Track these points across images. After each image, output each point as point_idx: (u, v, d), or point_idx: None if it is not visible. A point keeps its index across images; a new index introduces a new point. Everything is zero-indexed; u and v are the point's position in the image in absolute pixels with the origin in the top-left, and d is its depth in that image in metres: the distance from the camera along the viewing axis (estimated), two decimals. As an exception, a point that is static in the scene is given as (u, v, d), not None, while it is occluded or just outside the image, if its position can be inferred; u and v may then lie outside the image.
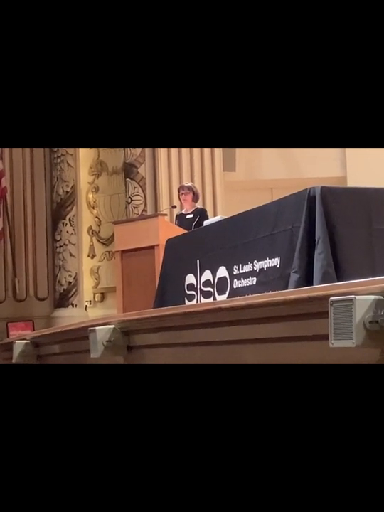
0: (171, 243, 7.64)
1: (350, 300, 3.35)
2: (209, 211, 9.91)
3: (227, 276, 6.24)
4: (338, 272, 5.07)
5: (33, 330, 11.67)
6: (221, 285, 6.33)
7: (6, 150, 12.61)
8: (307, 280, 5.12)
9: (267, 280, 5.67)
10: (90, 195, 12.94)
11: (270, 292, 5.11)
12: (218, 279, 6.39)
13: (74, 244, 12.67)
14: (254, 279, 5.84)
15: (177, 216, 9.56)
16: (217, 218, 7.88)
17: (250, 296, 5.11)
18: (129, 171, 12.13)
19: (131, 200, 12.07)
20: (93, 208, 12.94)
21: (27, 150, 12.80)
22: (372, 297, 3.34)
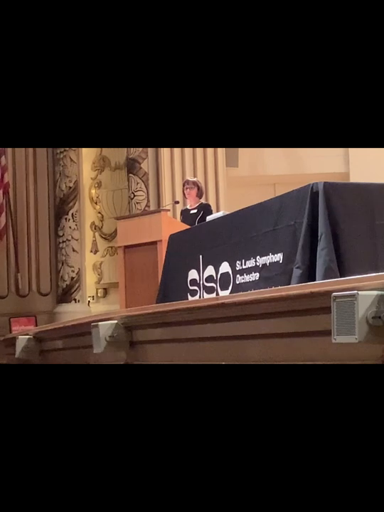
0: (174, 238, 7.64)
1: (353, 295, 3.35)
2: (212, 207, 9.90)
3: (230, 272, 6.24)
4: (341, 267, 5.07)
5: (36, 325, 11.67)
6: (224, 280, 6.33)
7: (9, 145, 12.62)
8: (310, 276, 5.13)
9: (270, 276, 5.67)
10: (93, 191, 12.94)
11: (273, 288, 5.11)
12: (221, 274, 6.39)
13: (77, 240, 12.67)
14: (257, 274, 5.84)
15: (181, 211, 9.55)
16: (220, 214, 7.87)
17: (253, 291, 5.11)
18: (131, 166, 12.13)
19: (134, 196, 12.07)
20: (96, 203, 12.94)
21: (30, 146, 12.82)
22: (375, 293, 3.34)
